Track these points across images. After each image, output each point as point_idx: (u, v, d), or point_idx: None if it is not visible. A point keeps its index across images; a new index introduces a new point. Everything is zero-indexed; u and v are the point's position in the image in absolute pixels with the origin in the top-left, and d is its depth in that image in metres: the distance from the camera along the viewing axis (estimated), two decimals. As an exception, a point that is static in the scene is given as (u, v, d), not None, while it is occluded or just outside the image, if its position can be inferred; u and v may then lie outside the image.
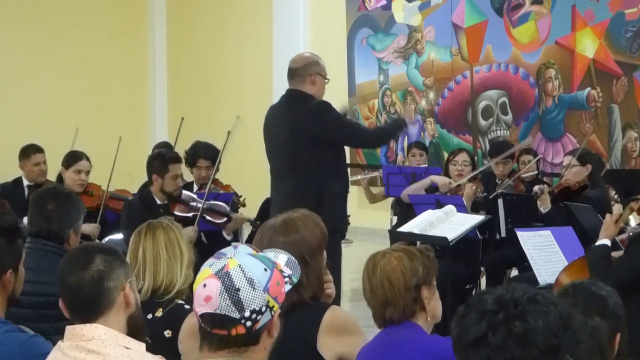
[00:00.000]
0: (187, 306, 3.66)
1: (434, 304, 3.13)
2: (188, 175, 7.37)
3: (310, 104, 5.76)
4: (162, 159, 6.39)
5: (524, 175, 7.43)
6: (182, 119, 8.80)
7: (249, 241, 4.82)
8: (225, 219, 6.56)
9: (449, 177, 7.33)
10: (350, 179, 10.97)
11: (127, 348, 2.57)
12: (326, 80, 5.93)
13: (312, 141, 5.72)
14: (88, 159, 7.07)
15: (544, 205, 6.58)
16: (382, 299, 3.10)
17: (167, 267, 3.73)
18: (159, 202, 6.32)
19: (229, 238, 6.47)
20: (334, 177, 5.83)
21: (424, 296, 3.10)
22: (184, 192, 6.51)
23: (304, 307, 3.03)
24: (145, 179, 7.29)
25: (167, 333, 3.59)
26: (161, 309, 3.67)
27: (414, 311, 3.10)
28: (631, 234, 5.15)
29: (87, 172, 7.02)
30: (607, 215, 5.10)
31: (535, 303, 1.91)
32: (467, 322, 1.91)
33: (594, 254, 4.86)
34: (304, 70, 5.81)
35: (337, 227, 5.67)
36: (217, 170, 7.26)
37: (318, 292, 3.12)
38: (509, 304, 1.90)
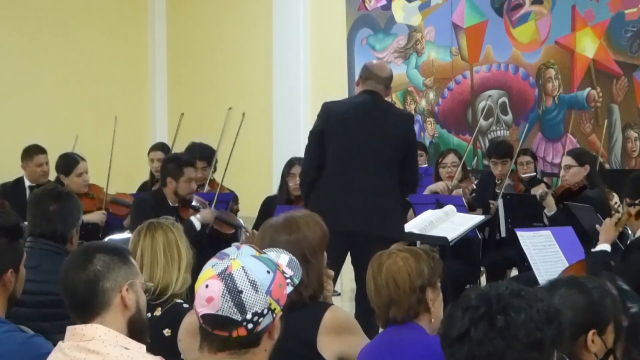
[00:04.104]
0: (185, 305, 3.66)
1: (438, 306, 3.13)
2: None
3: (406, 114, 6.33)
4: (177, 162, 6.41)
5: (522, 176, 7.44)
6: (182, 114, 8.80)
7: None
8: (233, 230, 6.55)
9: (440, 179, 7.38)
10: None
11: (127, 349, 2.57)
12: None
13: (406, 146, 5.80)
14: (83, 158, 7.11)
15: (550, 208, 6.57)
16: (387, 299, 3.09)
17: (163, 271, 3.70)
18: (170, 204, 6.32)
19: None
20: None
21: (429, 297, 3.10)
22: (195, 196, 6.52)
23: (304, 307, 3.03)
24: (144, 178, 7.31)
25: (167, 332, 3.59)
26: (160, 308, 3.67)
27: (417, 312, 3.10)
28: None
29: (87, 171, 7.07)
30: (607, 219, 5.07)
31: (518, 298, 1.91)
32: (452, 320, 1.93)
33: (592, 260, 4.83)
34: (388, 81, 5.91)
35: (401, 236, 5.71)
36: (215, 170, 7.26)
37: (317, 292, 3.12)
38: (491, 299, 1.91)
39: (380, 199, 5.67)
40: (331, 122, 5.81)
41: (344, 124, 5.80)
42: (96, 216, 6.75)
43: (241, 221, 6.77)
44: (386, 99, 5.98)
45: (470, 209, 6.98)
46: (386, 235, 5.31)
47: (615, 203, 6.79)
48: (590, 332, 2.58)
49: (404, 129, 5.84)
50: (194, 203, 6.44)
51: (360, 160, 5.74)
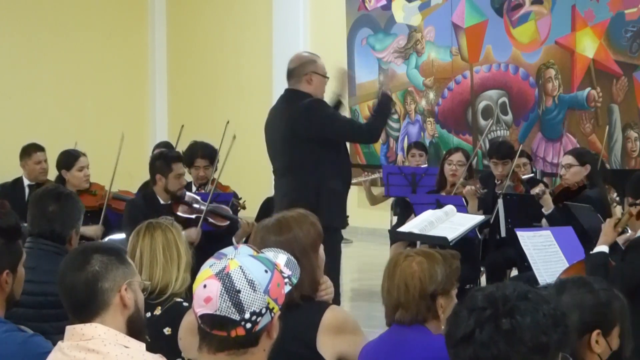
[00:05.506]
0: (185, 304, 3.66)
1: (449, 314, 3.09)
2: (186, 175, 7.36)
3: (302, 103, 5.80)
4: (164, 158, 6.42)
5: (522, 177, 7.43)
6: (182, 126, 8.82)
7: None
8: (228, 222, 6.53)
9: (444, 176, 7.33)
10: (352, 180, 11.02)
11: (127, 347, 2.57)
12: (326, 78, 5.95)
13: (307, 139, 5.78)
14: (84, 153, 7.12)
15: (547, 207, 6.57)
16: (395, 301, 3.08)
17: (163, 270, 3.70)
18: (162, 201, 6.32)
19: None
20: (333, 174, 5.86)
21: (439, 305, 3.07)
22: (187, 193, 6.50)
23: (302, 307, 3.02)
24: (145, 178, 7.29)
25: (167, 330, 3.59)
26: (160, 307, 3.67)
27: (426, 318, 3.08)
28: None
29: (88, 166, 7.08)
30: (607, 221, 5.06)
31: (525, 300, 1.91)
32: (457, 320, 1.93)
33: (591, 262, 4.83)
34: (300, 70, 5.88)
35: (333, 223, 5.70)
36: (216, 169, 7.26)
37: (310, 292, 3.11)
38: (497, 301, 1.91)
39: (296, 197, 5.61)
40: (264, 131, 6.15)
41: (266, 131, 6.12)
42: (92, 230, 6.63)
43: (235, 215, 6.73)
44: (307, 84, 5.84)
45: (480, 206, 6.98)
46: None
47: (616, 196, 6.77)
48: (595, 332, 2.59)
49: (303, 123, 5.76)
50: (186, 198, 6.43)
51: (278, 163, 6.03)
